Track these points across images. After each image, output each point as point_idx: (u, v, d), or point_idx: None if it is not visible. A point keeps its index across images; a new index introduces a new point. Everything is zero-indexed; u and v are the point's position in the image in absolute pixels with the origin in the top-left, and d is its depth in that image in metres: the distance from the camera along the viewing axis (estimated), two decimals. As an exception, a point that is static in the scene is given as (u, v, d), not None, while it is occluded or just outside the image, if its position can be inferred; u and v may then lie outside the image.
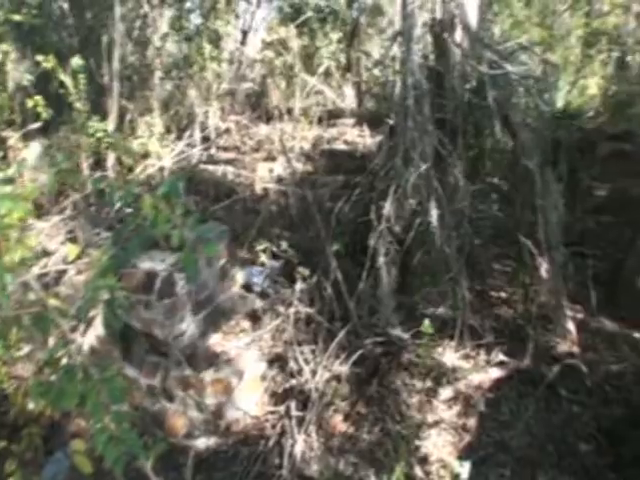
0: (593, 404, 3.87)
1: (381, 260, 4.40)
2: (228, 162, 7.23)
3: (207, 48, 7.76)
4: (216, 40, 8.47)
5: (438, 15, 5.24)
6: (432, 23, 5.28)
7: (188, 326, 4.00)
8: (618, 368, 4.16)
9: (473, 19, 5.37)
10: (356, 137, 7.36)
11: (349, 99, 9.05)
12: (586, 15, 11.50)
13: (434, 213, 4.50)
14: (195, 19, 8.88)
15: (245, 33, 9.62)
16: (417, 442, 3.59)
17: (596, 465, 3.48)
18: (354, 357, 4.11)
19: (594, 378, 4.01)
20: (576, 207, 6.52)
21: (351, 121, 7.74)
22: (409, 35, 4.96)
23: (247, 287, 4.81)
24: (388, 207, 4.56)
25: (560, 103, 10.18)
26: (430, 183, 4.71)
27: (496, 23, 12.21)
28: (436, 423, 3.75)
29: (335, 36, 8.86)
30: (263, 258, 4.90)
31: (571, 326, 4.43)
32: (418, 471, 3.42)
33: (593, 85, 10.89)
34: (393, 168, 4.97)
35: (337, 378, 4.05)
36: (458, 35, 5.35)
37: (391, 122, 5.12)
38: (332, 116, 7.99)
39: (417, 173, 4.71)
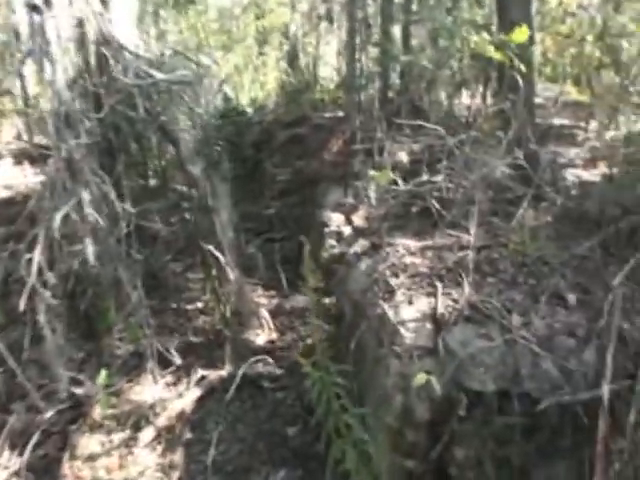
0: (294, 384, 3.93)
1: (42, 319, 3.84)
2: None
3: None
4: None
5: (90, 30, 4.77)
6: (81, 38, 4.78)
7: None
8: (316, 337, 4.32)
9: (124, 31, 5.05)
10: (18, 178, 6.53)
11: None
12: (256, 17, 12.22)
13: (90, 249, 4.08)
14: None
15: None
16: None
17: (303, 444, 3.51)
18: (34, 440, 3.48)
19: (291, 355, 4.10)
20: (264, 195, 6.85)
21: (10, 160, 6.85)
22: (44, 54, 4.38)
23: None
24: (37, 256, 4.00)
25: (245, 101, 10.63)
26: (83, 216, 4.28)
27: (165, 32, 12.22)
28: (140, 474, 3.38)
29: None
30: None
31: (265, 314, 4.49)
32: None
33: (272, 80, 11.62)
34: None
35: (17, 473, 3.39)
36: (112, 48, 4.99)
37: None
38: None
39: (68, 207, 4.21)
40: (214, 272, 4.68)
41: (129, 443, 3.57)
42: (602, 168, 5.07)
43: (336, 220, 4.43)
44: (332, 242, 4.59)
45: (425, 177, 3.62)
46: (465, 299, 2.45)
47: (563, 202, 3.24)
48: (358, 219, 4.47)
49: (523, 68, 3.86)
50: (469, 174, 3.65)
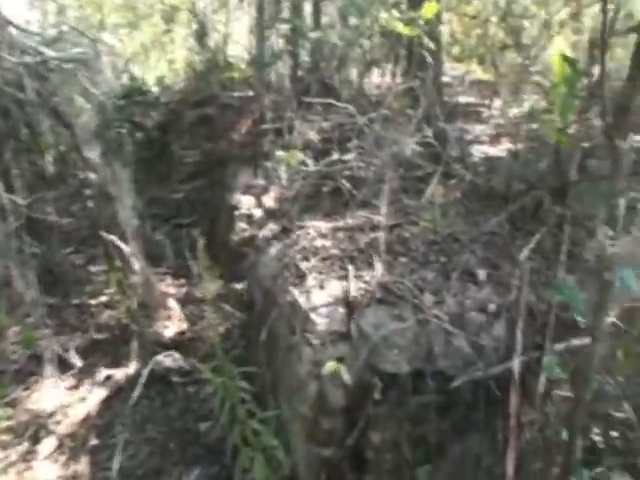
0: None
1: None
2: None
3: None
4: None
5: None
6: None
7: None
8: (226, 326, 4.15)
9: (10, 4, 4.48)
10: None
11: None
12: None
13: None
14: None
15: None
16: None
17: (217, 439, 3.35)
18: None
19: (203, 346, 3.90)
20: (171, 179, 6.50)
21: None
22: None
23: None
24: None
25: (152, 80, 10.04)
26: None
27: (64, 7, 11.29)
28: (38, 488, 3.08)
29: None
30: None
31: (174, 305, 4.25)
32: None
33: (180, 58, 11.07)
34: None
35: None
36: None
37: None
38: None
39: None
40: (118, 263, 4.36)
41: (27, 457, 3.24)
42: (507, 144, 5.25)
43: (246, 203, 4.25)
44: (243, 225, 4.41)
45: (336, 156, 3.51)
46: (377, 281, 2.37)
47: (471, 178, 3.25)
48: (269, 201, 4.30)
49: (432, 46, 3.85)
50: (379, 152, 3.59)
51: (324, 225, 2.91)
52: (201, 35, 11.61)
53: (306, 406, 2.37)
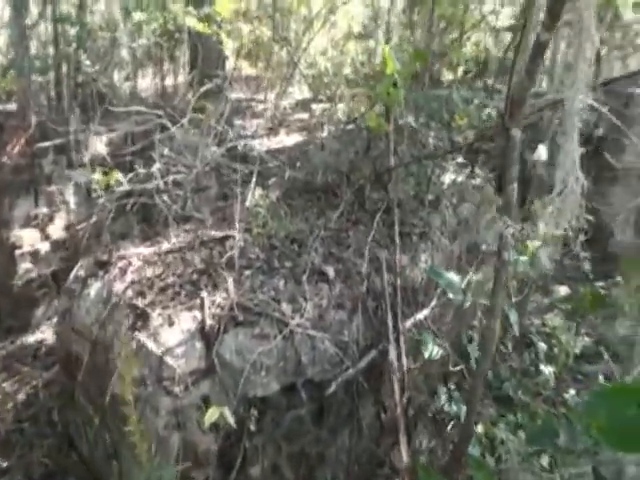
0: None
1: None
2: None
3: None
4: None
5: None
6: None
7: None
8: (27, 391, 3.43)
9: None
10: None
11: None
12: None
13: None
14: None
15: None
16: None
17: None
18: None
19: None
20: None
21: None
22: None
23: None
24: None
25: None
26: None
27: None
28: None
29: None
30: None
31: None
32: None
33: None
34: None
35: None
36: None
37: None
38: None
39: None
40: None
41: None
42: (294, 135, 5.40)
43: (29, 237, 3.54)
44: (26, 266, 3.68)
45: (139, 169, 3.12)
46: (230, 301, 2.15)
47: (290, 175, 3.20)
48: (57, 231, 3.67)
49: (227, 44, 3.68)
50: (189, 159, 3.32)
51: (147, 250, 2.55)
52: None
53: (171, 464, 2.04)
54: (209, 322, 2.06)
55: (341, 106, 6.50)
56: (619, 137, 4.76)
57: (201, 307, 2.06)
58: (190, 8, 3.38)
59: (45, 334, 3.53)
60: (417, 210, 3.00)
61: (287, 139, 5.29)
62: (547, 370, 3.03)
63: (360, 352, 2.35)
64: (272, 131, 5.46)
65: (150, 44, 4.53)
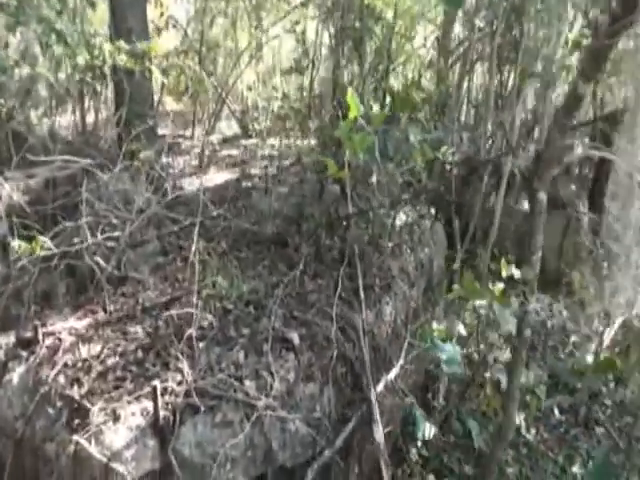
0: None
1: None
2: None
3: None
4: None
5: None
6: None
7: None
8: None
9: None
10: None
11: None
12: None
13: None
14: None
15: None
16: None
17: None
18: None
19: None
20: None
21: None
22: None
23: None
24: None
25: None
26: None
27: None
28: None
29: None
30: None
31: None
32: None
33: None
34: None
35: None
36: None
37: None
38: None
39: None
40: None
41: None
42: (212, 173, 5.16)
43: None
44: None
45: (65, 223, 2.75)
46: (186, 386, 1.86)
47: (237, 224, 2.95)
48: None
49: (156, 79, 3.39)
50: (122, 210, 2.98)
51: (79, 323, 2.19)
52: None
53: None
54: (163, 413, 1.75)
55: (272, 142, 6.37)
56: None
57: (153, 396, 1.74)
58: (121, 43, 3.08)
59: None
60: (376, 258, 2.85)
61: (217, 176, 5.04)
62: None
63: (333, 428, 2.12)
64: (201, 169, 5.20)
65: (70, 79, 4.14)
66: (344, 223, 2.83)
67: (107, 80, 4.34)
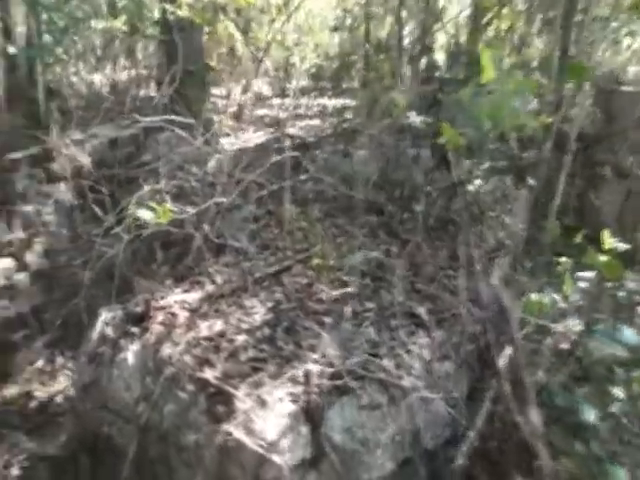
0: None
1: None
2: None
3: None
4: None
5: None
6: None
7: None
8: None
9: None
10: None
11: None
12: None
13: None
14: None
15: None
16: None
17: None
18: None
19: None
20: None
21: None
22: None
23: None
24: None
25: None
26: None
27: None
28: None
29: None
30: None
31: None
32: None
33: None
34: None
35: None
36: None
37: None
38: None
39: None
40: None
41: None
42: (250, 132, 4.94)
43: (2, 269, 2.84)
44: (2, 303, 2.97)
45: (143, 184, 2.55)
46: (331, 365, 1.69)
47: (335, 192, 2.73)
48: (35, 258, 2.99)
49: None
50: (196, 170, 2.77)
51: (190, 296, 2.01)
52: None
53: None
54: (313, 397, 1.59)
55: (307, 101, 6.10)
56: None
57: (305, 380, 1.57)
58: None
59: (33, 385, 2.85)
60: (479, 229, 2.65)
61: (254, 136, 4.82)
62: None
63: (467, 407, 1.96)
64: (238, 128, 4.99)
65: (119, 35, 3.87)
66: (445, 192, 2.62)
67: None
